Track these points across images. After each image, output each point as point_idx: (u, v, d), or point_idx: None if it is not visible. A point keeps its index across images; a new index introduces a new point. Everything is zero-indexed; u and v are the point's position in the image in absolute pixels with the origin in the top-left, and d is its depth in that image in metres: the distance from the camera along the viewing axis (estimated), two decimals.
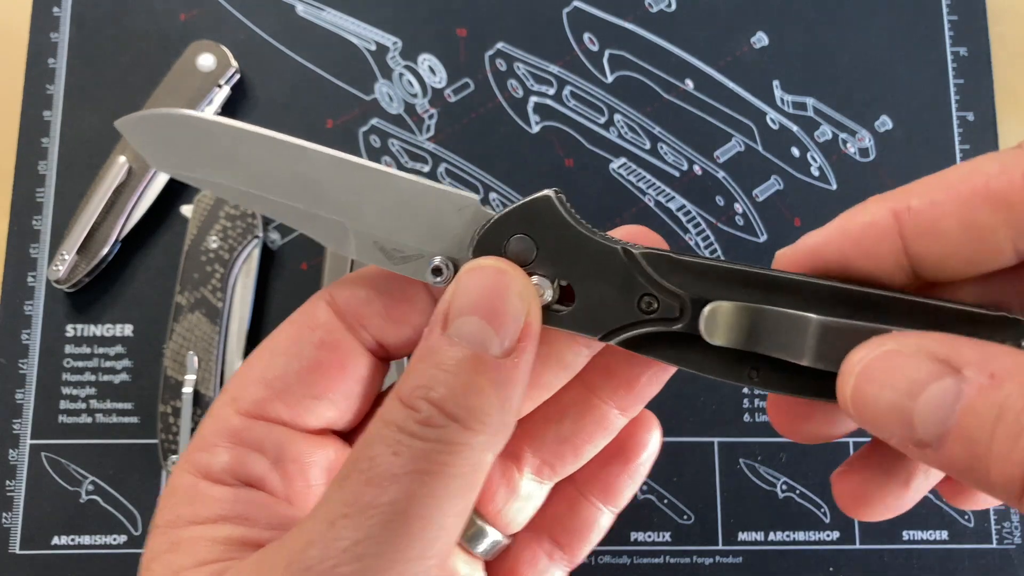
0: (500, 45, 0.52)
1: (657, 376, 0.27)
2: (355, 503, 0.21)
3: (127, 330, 0.48)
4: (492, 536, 0.29)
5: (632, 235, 0.26)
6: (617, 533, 0.46)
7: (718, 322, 0.23)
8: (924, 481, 0.25)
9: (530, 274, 0.24)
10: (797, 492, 0.47)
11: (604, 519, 0.30)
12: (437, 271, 0.24)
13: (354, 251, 0.25)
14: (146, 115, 0.25)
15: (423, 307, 0.26)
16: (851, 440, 0.48)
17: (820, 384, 0.23)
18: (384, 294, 0.26)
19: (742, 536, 0.47)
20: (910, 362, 0.19)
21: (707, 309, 0.23)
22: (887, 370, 0.19)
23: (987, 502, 0.27)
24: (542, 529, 0.30)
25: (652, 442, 0.30)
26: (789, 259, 0.24)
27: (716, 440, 0.48)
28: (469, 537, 0.28)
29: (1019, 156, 0.20)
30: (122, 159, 0.48)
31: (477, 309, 0.22)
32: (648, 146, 0.51)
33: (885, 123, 0.52)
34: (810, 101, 0.52)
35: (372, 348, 0.26)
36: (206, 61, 0.50)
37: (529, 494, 0.29)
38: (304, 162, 0.24)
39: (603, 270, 0.24)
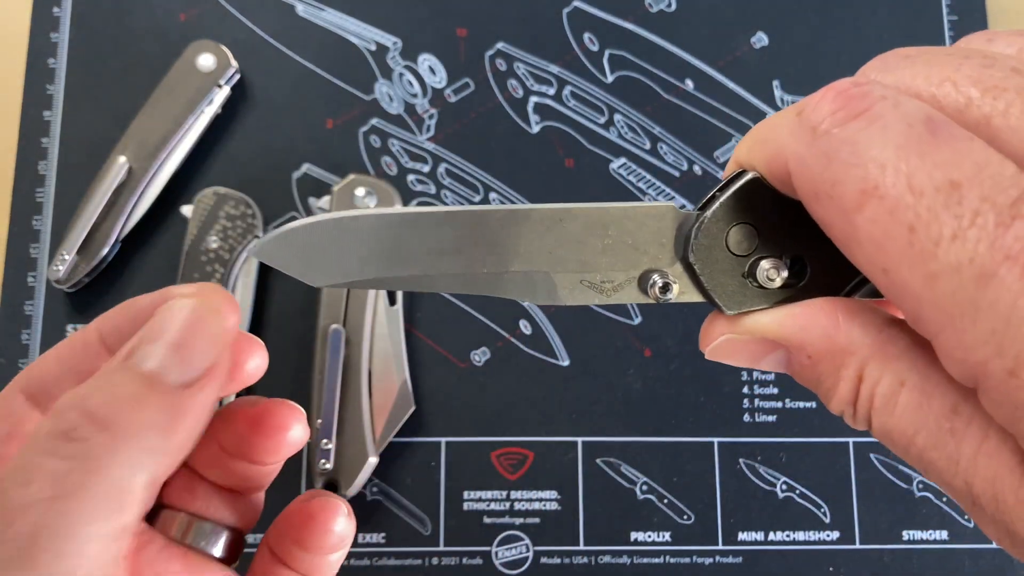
0: (500, 45, 0.52)
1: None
2: None
3: None
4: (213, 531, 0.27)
5: None
6: (617, 533, 0.47)
7: None
8: None
9: (759, 259, 0.22)
10: (797, 492, 0.47)
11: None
12: (666, 288, 0.23)
13: (564, 297, 0.23)
14: (284, 233, 0.22)
15: None
16: (851, 440, 0.48)
17: None
18: (76, 370, 0.23)
19: (742, 536, 0.47)
20: (757, 342, 0.22)
21: None
22: (732, 347, 0.23)
23: None
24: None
25: (333, 538, 0.26)
26: None
27: (716, 440, 0.48)
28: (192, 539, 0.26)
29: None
30: (122, 159, 0.48)
31: (163, 338, 0.21)
32: (648, 146, 0.51)
33: None
34: None
35: None
36: (206, 61, 0.50)
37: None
38: (482, 226, 0.23)
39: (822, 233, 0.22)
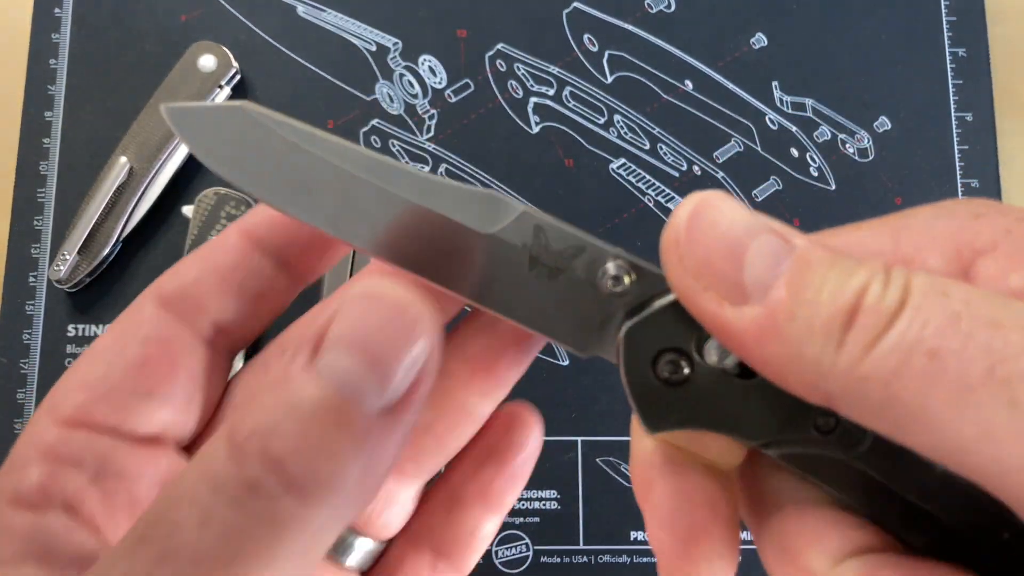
0: (500, 46, 0.53)
1: (517, 361, 0.23)
2: None
3: None
4: (361, 546, 0.25)
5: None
6: (617, 532, 0.47)
7: None
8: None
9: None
10: None
11: (487, 526, 0.26)
12: (617, 280, 0.19)
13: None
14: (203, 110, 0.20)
15: (266, 275, 0.23)
16: None
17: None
18: (218, 268, 0.23)
19: (743, 535, 0.47)
20: (750, 212, 0.18)
21: None
22: (731, 208, 0.18)
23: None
24: (420, 538, 0.26)
25: (531, 442, 0.25)
26: None
27: None
28: (336, 549, 0.25)
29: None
30: (123, 159, 0.48)
31: (361, 345, 0.17)
32: (648, 146, 0.52)
33: (884, 123, 0.52)
34: (809, 102, 0.52)
35: (210, 337, 0.23)
36: (207, 62, 0.50)
37: (394, 495, 0.25)
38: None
39: None
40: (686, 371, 0.19)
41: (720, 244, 0.17)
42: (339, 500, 0.17)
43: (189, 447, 0.23)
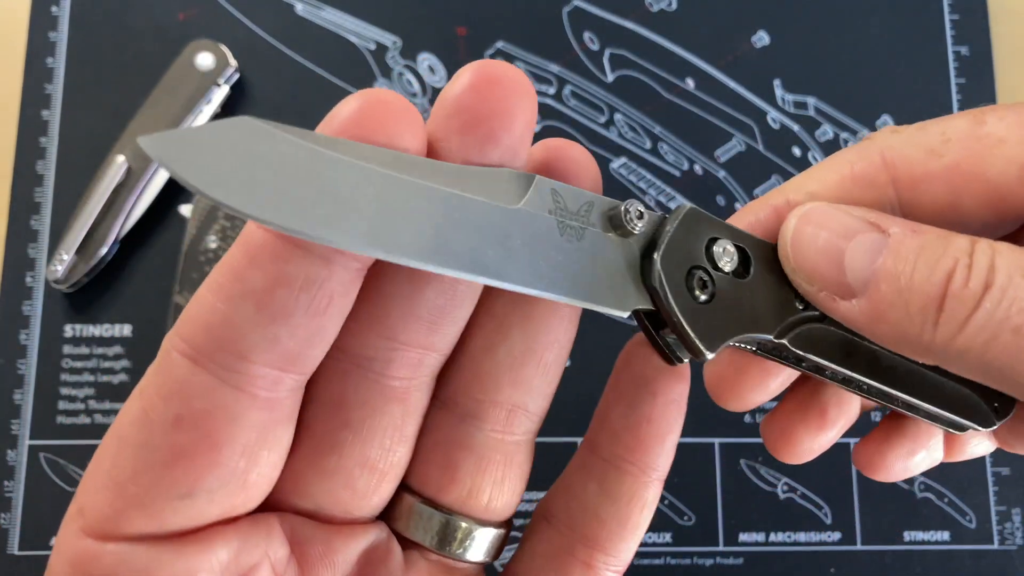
0: (500, 44, 0.52)
1: None
2: None
3: (126, 330, 0.48)
4: (482, 533, 0.22)
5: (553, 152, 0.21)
6: None
7: None
8: (838, 415, 0.26)
9: (713, 239, 0.21)
10: (798, 493, 0.47)
11: (650, 491, 0.23)
12: (640, 215, 0.20)
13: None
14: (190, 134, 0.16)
15: (311, 278, 0.18)
16: (851, 441, 0.48)
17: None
18: (264, 302, 0.17)
19: (743, 537, 0.47)
20: (846, 214, 0.21)
21: None
22: (825, 216, 0.21)
23: (897, 467, 0.27)
24: (565, 523, 0.23)
25: (668, 377, 0.24)
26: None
27: (717, 441, 0.48)
28: (457, 547, 0.22)
29: (871, 144, 0.23)
30: (120, 158, 0.48)
31: None
32: (648, 146, 0.51)
33: (886, 122, 0.52)
34: (811, 100, 0.52)
35: (262, 382, 0.18)
36: (205, 60, 0.50)
37: (509, 456, 0.22)
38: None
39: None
40: (710, 287, 0.21)
41: (822, 254, 0.20)
42: None
43: (262, 508, 0.20)
